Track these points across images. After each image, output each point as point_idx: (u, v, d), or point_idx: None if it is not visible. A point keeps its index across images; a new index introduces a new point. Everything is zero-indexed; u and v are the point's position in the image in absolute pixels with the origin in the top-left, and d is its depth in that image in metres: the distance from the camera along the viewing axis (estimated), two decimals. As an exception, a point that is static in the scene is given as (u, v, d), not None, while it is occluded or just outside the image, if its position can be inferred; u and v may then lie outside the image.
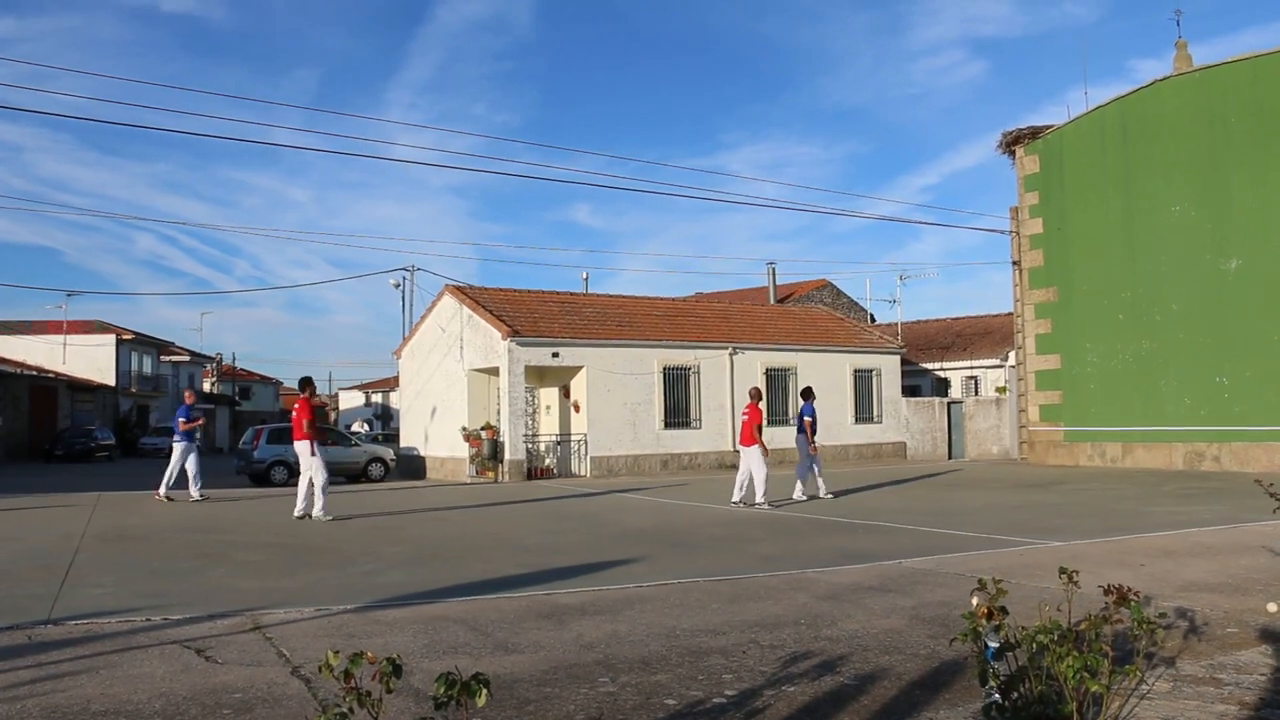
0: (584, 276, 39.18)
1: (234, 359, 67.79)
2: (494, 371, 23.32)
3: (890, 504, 13.99)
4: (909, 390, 30.85)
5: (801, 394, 15.80)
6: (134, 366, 50.83)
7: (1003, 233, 25.13)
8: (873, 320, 38.77)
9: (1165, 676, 4.19)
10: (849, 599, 6.26)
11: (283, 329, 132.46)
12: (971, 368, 35.25)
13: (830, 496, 14.61)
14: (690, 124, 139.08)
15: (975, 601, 3.01)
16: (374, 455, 25.52)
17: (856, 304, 40.61)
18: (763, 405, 14.54)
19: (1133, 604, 3.03)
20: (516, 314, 23.38)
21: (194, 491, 15.51)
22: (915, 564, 7.83)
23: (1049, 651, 2.87)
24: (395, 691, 2.34)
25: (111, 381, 47.09)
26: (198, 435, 15.98)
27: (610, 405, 23.13)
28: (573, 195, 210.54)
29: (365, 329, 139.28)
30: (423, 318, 27.17)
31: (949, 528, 10.68)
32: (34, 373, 39.77)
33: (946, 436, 28.38)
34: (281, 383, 78.55)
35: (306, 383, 13.49)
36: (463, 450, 23.19)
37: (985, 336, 36.30)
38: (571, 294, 27.18)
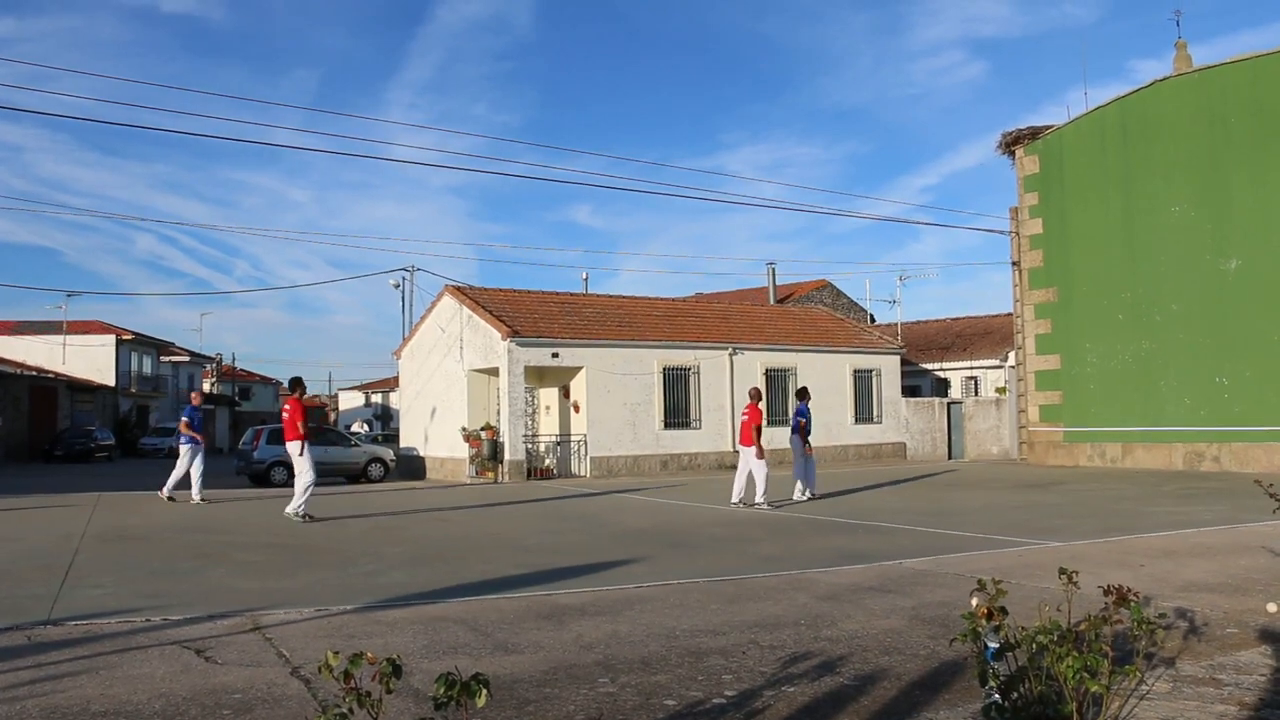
0: (584, 277, 39.23)
1: (234, 359, 67.85)
2: (494, 372, 23.32)
3: (890, 504, 13.99)
4: (909, 391, 30.86)
5: (797, 394, 15.79)
6: (134, 367, 50.82)
7: (1002, 233, 25.14)
8: (873, 321, 38.77)
9: (1165, 677, 4.19)
10: (849, 599, 6.26)
11: (283, 329, 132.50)
12: (971, 368, 35.26)
13: (808, 497, 14.49)
14: (690, 124, 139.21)
15: (975, 602, 3.01)
16: (374, 456, 25.51)
17: (856, 304, 40.62)
18: (762, 406, 14.52)
19: (1132, 604, 3.03)
20: (516, 314, 23.38)
21: (195, 494, 15.50)
22: (915, 564, 7.83)
23: (1049, 652, 2.87)
24: (395, 692, 2.34)
25: (111, 382, 47.08)
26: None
27: (610, 405, 23.13)
28: (573, 195, 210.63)
29: (365, 329, 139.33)
30: (422, 318, 27.18)
31: (949, 528, 10.69)
32: (34, 373, 39.76)
33: (946, 437, 28.38)
34: (281, 383, 78.55)
35: (297, 383, 13.49)
36: (462, 450, 23.19)
37: (985, 337, 36.31)
38: (571, 294, 27.19)
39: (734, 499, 13.88)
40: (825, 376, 26.62)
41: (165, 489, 15.53)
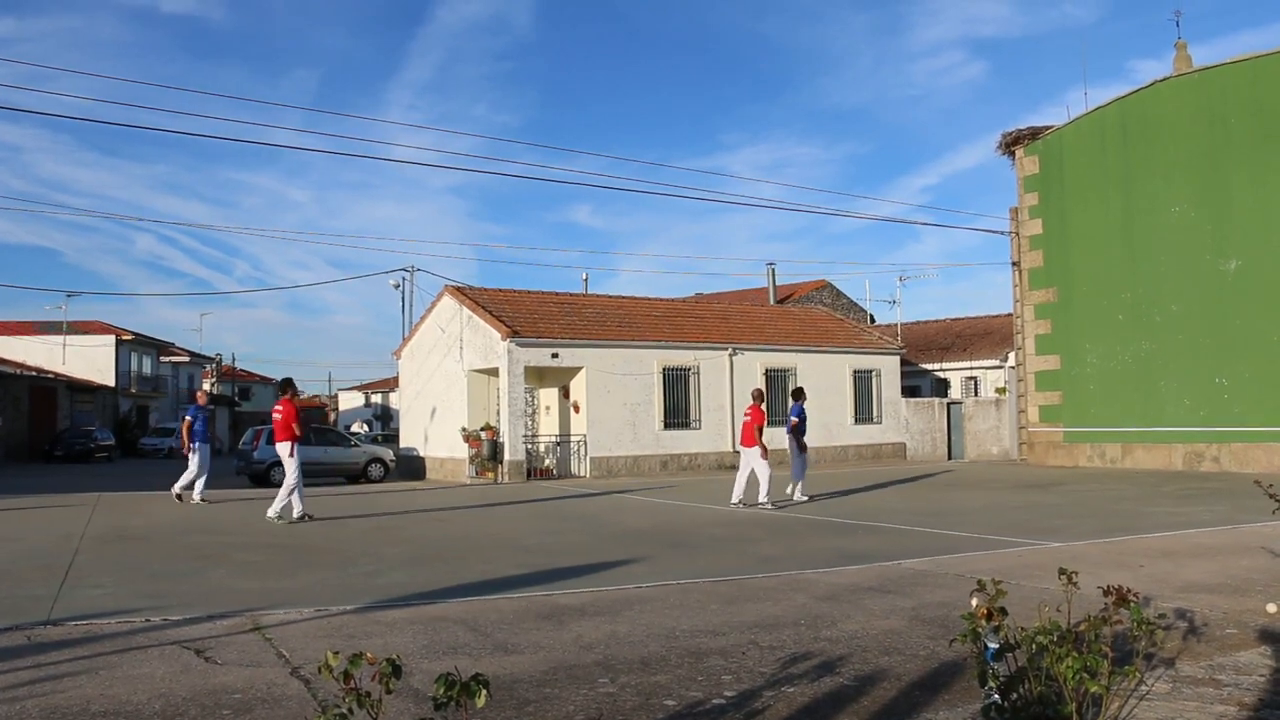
0: (584, 277, 39.16)
1: (234, 359, 67.83)
2: (493, 372, 23.33)
3: (890, 505, 13.99)
4: (908, 391, 30.86)
5: (791, 394, 15.78)
6: (134, 367, 50.83)
7: (1002, 233, 25.14)
8: (872, 321, 38.77)
9: (1165, 677, 4.19)
10: (848, 600, 6.26)
11: (282, 329, 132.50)
12: (971, 368, 35.26)
13: (806, 498, 14.46)
14: (690, 124, 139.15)
15: (975, 602, 3.01)
16: (374, 456, 25.52)
17: (856, 305, 40.62)
18: (764, 406, 14.52)
19: (1132, 605, 3.03)
20: (516, 314, 23.39)
21: (196, 495, 15.50)
22: (915, 565, 7.83)
23: (1048, 652, 2.87)
24: (395, 692, 2.34)
25: (111, 382, 47.08)
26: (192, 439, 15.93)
27: (610, 406, 23.13)
28: (573, 196, 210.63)
29: (365, 329, 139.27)
30: (422, 318, 27.18)
31: (948, 528, 10.69)
32: (34, 373, 39.76)
33: (946, 437, 28.38)
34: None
35: (288, 384, 13.46)
36: (462, 451, 23.20)
37: (985, 337, 36.32)
38: (571, 294, 27.19)
39: (734, 499, 13.88)
40: (825, 377, 26.62)
41: (176, 487, 15.46)
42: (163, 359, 56.48)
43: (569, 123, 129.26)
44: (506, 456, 22.06)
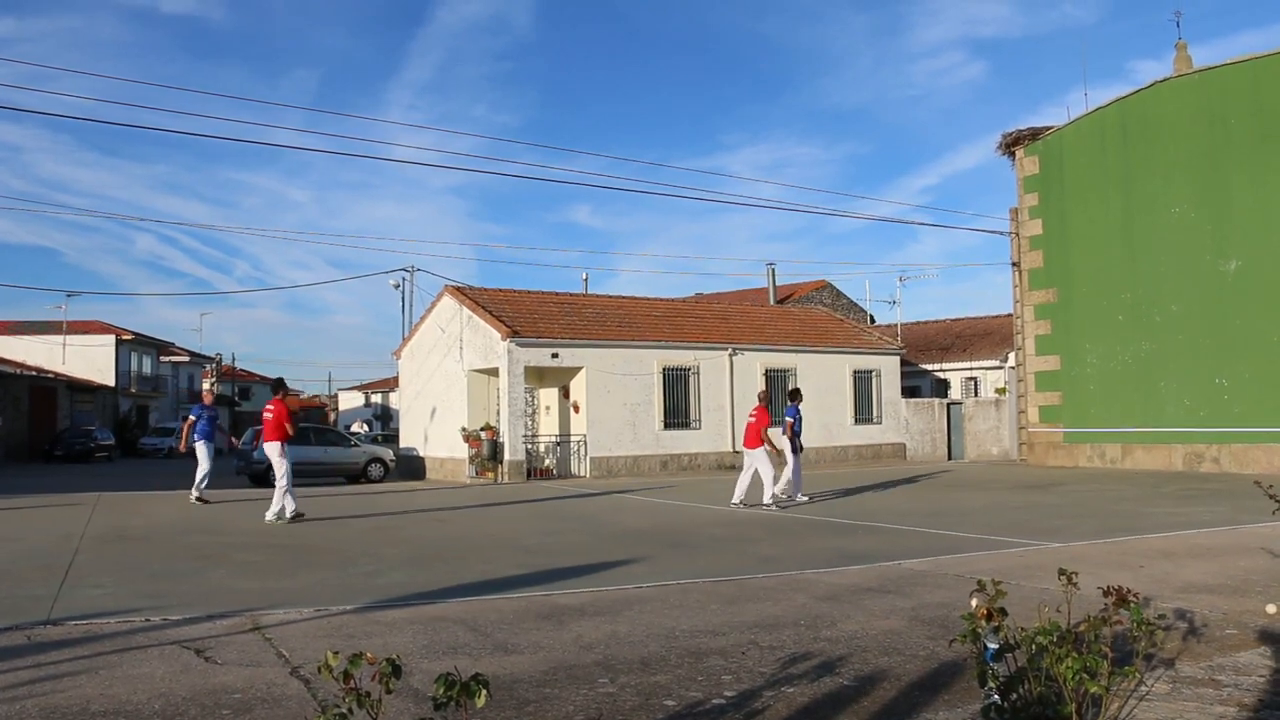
0: (583, 277, 39.18)
1: (234, 359, 67.75)
2: (493, 372, 23.33)
3: (889, 505, 13.99)
4: (908, 391, 30.86)
5: (789, 395, 15.76)
6: (133, 367, 50.83)
7: (1002, 234, 25.15)
8: (872, 321, 38.77)
9: (1164, 678, 4.19)
10: (848, 600, 6.26)
11: (282, 329, 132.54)
12: (971, 369, 35.26)
13: (808, 499, 14.47)
14: (690, 124, 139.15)
15: (974, 603, 3.01)
16: (373, 456, 25.51)
17: (856, 305, 40.62)
18: (769, 408, 14.48)
19: (1132, 605, 3.03)
20: (516, 314, 23.39)
21: (194, 495, 15.47)
22: (914, 565, 7.83)
23: (1048, 653, 2.87)
24: (395, 692, 2.34)
25: (111, 382, 47.08)
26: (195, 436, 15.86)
27: (610, 406, 23.14)
28: (573, 196, 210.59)
29: (365, 329, 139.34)
30: (422, 318, 27.18)
31: (948, 529, 10.69)
32: (34, 373, 39.75)
33: (946, 437, 28.38)
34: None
35: (280, 384, 13.40)
36: (462, 451, 23.19)
37: (985, 337, 36.32)
38: (571, 295, 27.19)
39: (735, 499, 13.88)
40: (825, 377, 26.63)
41: (194, 492, 15.35)
42: (163, 359, 56.48)
43: (569, 123, 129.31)
44: (506, 456, 22.06)
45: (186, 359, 59.93)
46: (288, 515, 12.29)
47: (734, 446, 24.50)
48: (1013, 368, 25.90)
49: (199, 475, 15.44)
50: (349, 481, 23.85)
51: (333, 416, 75.21)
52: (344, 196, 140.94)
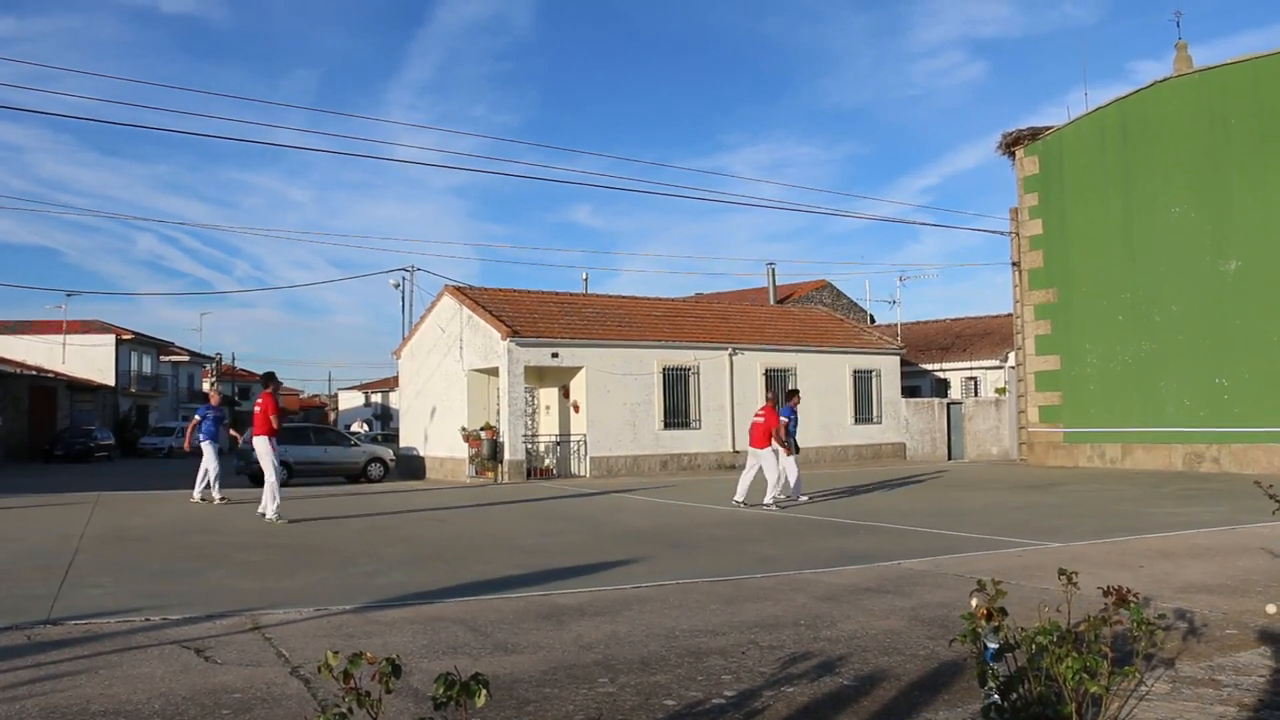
0: (584, 277, 39.14)
1: (234, 359, 67.70)
2: (493, 372, 23.33)
3: (889, 505, 13.99)
4: (908, 391, 30.86)
5: (785, 395, 15.74)
6: (133, 366, 50.83)
7: (1002, 234, 25.14)
8: (872, 321, 38.78)
9: (1164, 678, 4.19)
10: (848, 600, 6.26)
11: (282, 329, 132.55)
12: (971, 369, 35.26)
13: (807, 498, 14.46)
14: (690, 124, 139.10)
15: (974, 602, 3.01)
16: (373, 455, 25.51)
17: (856, 305, 40.62)
18: (777, 408, 14.44)
19: (1132, 605, 3.03)
20: (516, 314, 23.39)
21: (196, 492, 15.48)
22: (914, 565, 7.83)
23: (1048, 653, 2.87)
24: (394, 692, 2.34)
25: (111, 381, 47.08)
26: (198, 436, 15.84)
27: (610, 406, 23.14)
28: (573, 196, 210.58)
29: (365, 329, 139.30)
30: (422, 318, 27.18)
31: (948, 529, 10.69)
32: (34, 373, 39.76)
33: (946, 437, 28.38)
34: (281, 382, 78.44)
35: (270, 377, 13.23)
36: (462, 450, 23.19)
37: (985, 337, 36.32)
38: (571, 294, 27.19)
39: (737, 498, 13.86)
40: (825, 377, 26.63)
41: (215, 494, 15.30)
42: (163, 358, 56.49)
43: (569, 123, 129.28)
44: (506, 456, 22.06)
45: (186, 359, 59.94)
46: (270, 517, 12.10)
47: (734, 446, 24.50)
48: (1013, 367, 25.90)
49: (200, 475, 15.44)
50: (349, 481, 23.85)
51: (332, 416, 75.23)
52: (345, 196, 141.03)
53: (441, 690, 2.27)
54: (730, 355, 25.08)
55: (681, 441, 24.18)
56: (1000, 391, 29.81)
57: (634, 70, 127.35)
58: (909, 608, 5.94)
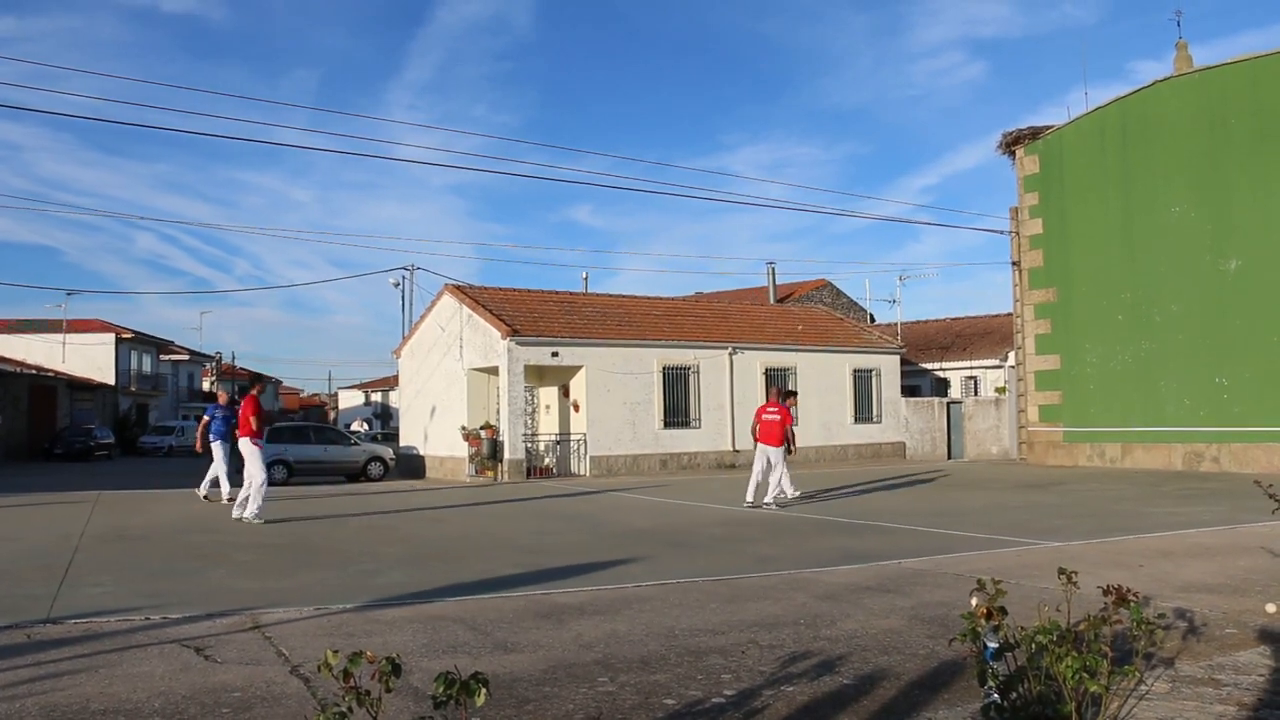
0: (584, 276, 39.16)
1: (234, 358, 67.69)
2: (493, 371, 23.33)
3: (889, 504, 13.99)
4: (908, 390, 30.86)
5: (782, 395, 15.67)
6: (133, 365, 50.82)
7: (1002, 233, 25.14)
8: (873, 320, 38.77)
9: (1164, 677, 4.19)
10: (848, 599, 6.26)
11: (282, 328, 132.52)
12: (971, 368, 35.26)
13: (773, 505, 14.37)
14: (690, 124, 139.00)
15: (974, 602, 3.01)
16: (373, 454, 25.53)
17: (856, 304, 40.62)
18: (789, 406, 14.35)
19: (1132, 605, 3.03)
20: (516, 313, 23.39)
21: (202, 489, 15.46)
22: (914, 564, 7.83)
23: (1048, 652, 2.87)
24: (394, 691, 2.34)
25: (111, 380, 47.07)
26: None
27: (610, 405, 23.14)
28: (573, 195, 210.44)
29: (365, 328, 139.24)
30: (422, 317, 27.18)
31: (948, 528, 10.69)
32: (33, 372, 39.74)
33: (946, 437, 28.38)
34: (281, 382, 78.53)
35: (256, 379, 13.47)
36: (462, 449, 23.20)
37: (985, 337, 36.32)
38: (571, 294, 27.20)
39: (749, 498, 13.61)
40: (825, 376, 26.63)
41: (224, 496, 15.28)
42: (162, 357, 56.47)
43: (569, 123, 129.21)
44: (506, 455, 22.07)
45: (186, 358, 59.94)
46: (248, 512, 12.09)
47: (734, 446, 24.51)
48: (1012, 367, 25.90)
49: (210, 475, 15.43)
50: (349, 480, 23.86)
51: (332, 415, 75.26)
52: (346, 196, 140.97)
53: (441, 689, 2.27)
54: (730, 354, 25.08)
55: (681, 441, 24.19)
56: (1000, 391, 29.81)
57: (634, 70, 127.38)
58: (909, 607, 5.94)
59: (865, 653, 4.76)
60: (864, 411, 27.64)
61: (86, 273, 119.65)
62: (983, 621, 2.94)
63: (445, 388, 25.31)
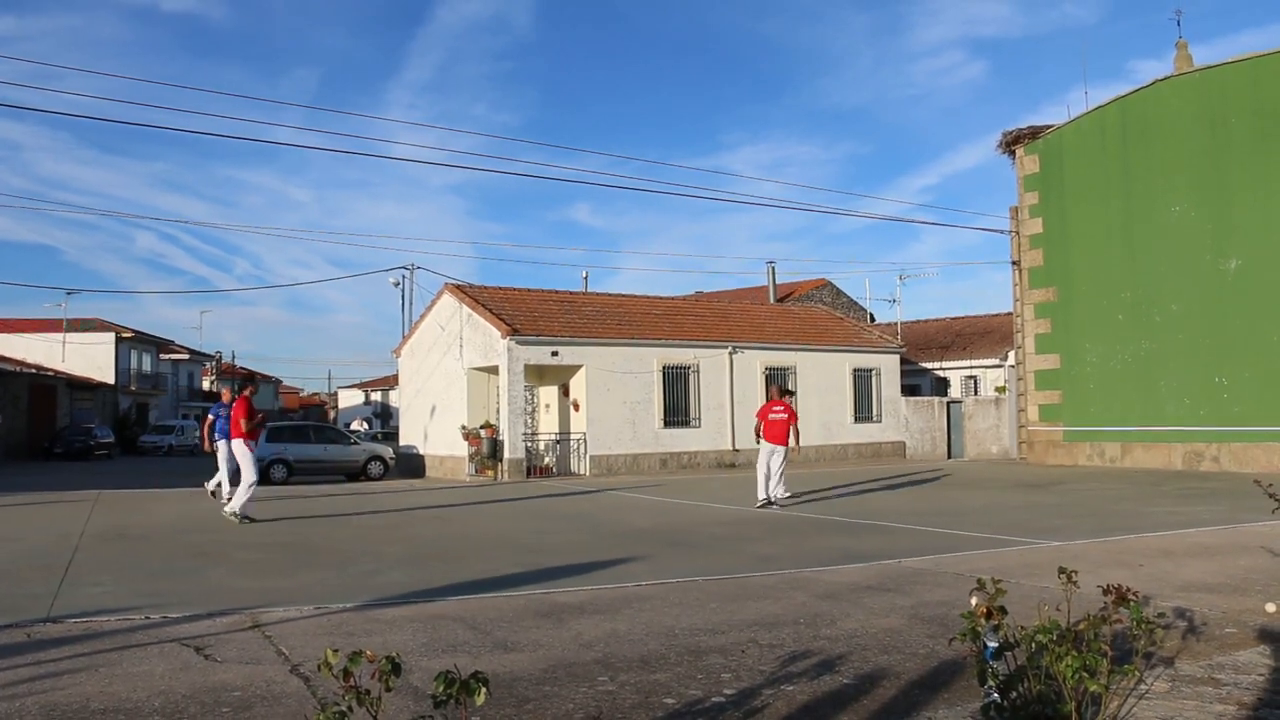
0: (583, 275, 39.15)
1: (234, 357, 67.74)
2: (493, 370, 23.32)
3: (889, 504, 13.99)
4: (908, 390, 30.87)
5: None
6: (133, 365, 50.82)
7: (1002, 233, 25.14)
8: (873, 320, 38.78)
9: (1164, 676, 4.19)
10: (848, 598, 6.26)
11: (282, 328, 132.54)
12: (971, 367, 35.26)
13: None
14: (690, 124, 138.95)
15: (974, 601, 3.01)
16: (373, 453, 25.53)
17: (856, 303, 40.63)
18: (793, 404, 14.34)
19: (1132, 604, 3.03)
20: (516, 313, 23.38)
21: (210, 485, 15.46)
22: (914, 563, 7.83)
23: (1048, 651, 2.87)
24: (394, 690, 2.34)
25: (111, 380, 47.07)
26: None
27: (609, 404, 23.13)
28: (573, 195, 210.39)
29: (365, 328, 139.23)
30: (422, 316, 27.18)
31: (948, 527, 10.69)
32: (33, 371, 39.73)
33: (946, 436, 28.38)
34: (281, 381, 78.54)
35: (249, 380, 13.55)
36: (462, 449, 23.20)
37: (985, 336, 36.31)
38: (571, 293, 27.19)
39: (761, 497, 13.48)
40: (825, 376, 26.63)
41: (225, 491, 15.26)
42: (162, 357, 56.48)
43: (569, 122, 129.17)
44: (506, 454, 22.06)
45: (186, 357, 59.95)
46: (235, 509, 12.09)
47: (734, 445, 24.52)
48: (1012, 366, 25.90)
49: (223, 480, 15.40)
50: (349, 479, 23.86)
51: (332, 414, 75.26)
52: (345, 195, 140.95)
53: (441, 688, 2.27)
54: (730, 354, 25.08)
55: (681, 440, 24.19)
56: (1000, 390, 29.81)
57: (634, 70, 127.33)
58: (909, 606, 5.94)
59: (865, 652, 4.76)
60: (864, 411, 27.64)
61: (86, 272, 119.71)
62: (983, 621, 2.94)
63: (445, 387, 25.30)
